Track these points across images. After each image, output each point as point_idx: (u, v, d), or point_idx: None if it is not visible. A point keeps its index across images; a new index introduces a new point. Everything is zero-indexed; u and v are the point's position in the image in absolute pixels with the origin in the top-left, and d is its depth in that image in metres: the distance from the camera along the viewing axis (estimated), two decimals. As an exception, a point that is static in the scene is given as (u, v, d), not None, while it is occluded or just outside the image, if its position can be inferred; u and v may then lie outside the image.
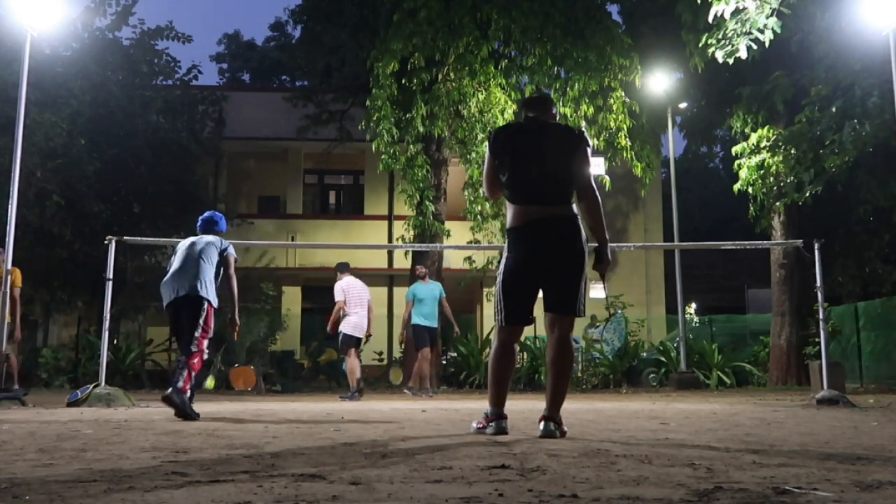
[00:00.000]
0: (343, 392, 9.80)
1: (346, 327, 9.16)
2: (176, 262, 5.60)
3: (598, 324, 14.60)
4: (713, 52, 9.15)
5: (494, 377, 3.61)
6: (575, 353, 14.39)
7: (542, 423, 3.42)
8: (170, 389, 5.00)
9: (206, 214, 6.04)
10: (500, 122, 12.09)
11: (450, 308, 10.17)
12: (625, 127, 12.38)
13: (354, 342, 9.20)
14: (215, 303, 5.51)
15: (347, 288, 9.40)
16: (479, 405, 6.81)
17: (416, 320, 9.86)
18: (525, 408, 5.97)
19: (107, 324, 7.29)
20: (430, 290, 10.02)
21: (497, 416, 3.56)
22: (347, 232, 19.83)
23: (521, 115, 3.83)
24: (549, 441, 3.22)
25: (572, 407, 6.61)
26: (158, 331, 16.17)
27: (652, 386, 13.29)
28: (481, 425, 3.63)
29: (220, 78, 33.41)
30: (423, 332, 9.85)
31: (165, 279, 5.56)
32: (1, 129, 11.81)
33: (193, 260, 5.53)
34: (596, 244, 3.71)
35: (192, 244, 5.69)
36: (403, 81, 12.36)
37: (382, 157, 12.40)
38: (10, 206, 7.61)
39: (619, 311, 14.37)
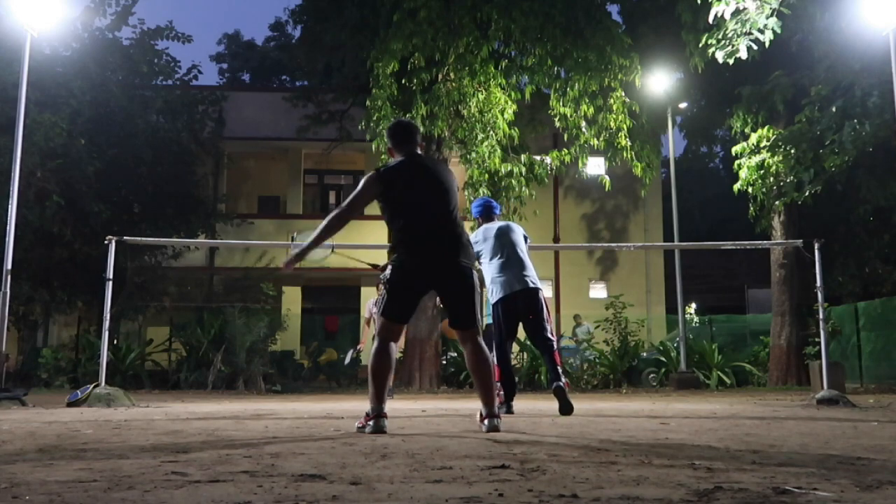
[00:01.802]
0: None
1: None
2: (497, 254, 5.58)
3: (582, 323, 14.71)
4: (713, 53, 9.15)
5: (375, 375, 3.75)
6: (575, 352, 14.28)
7: (487, 422, 3.73)
8: (557, 384, 5.21)
9: (487, 201, 6.12)
10: (500, 122, 12.11)
11: None
12: (625, 127, 12.38)
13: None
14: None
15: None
16: (479, 405, 6.81)
17: None
18: (525, 408, 5.97)
19: (107, 324, 7.29)
20: None
21: (377, 413, 3.66)
22: (347, 232, 19.79)
23: (402, 148, 4.06)
24: (549, 441, 3.22)
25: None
26: (158, 331, 16.16)
27: (652, 386, 13.29)
28: (361, 424, 3.73)
29: (220, 78, 33.44)
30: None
31: (492, 272, 5.55)
32: (1, 129, 11.81)
33: (516, 250, 5.59)
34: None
35: (504, 232, 5.69)
36: (403, 81, 12.36)
37: (382, 157, 12.39)
38: (10, 206, 7.61)
39: (586, 324, 14.79)
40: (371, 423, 3.64)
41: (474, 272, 3.95)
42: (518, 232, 5.75)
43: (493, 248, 5.60)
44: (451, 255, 3.85)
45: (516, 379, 12.91)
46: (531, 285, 5.50)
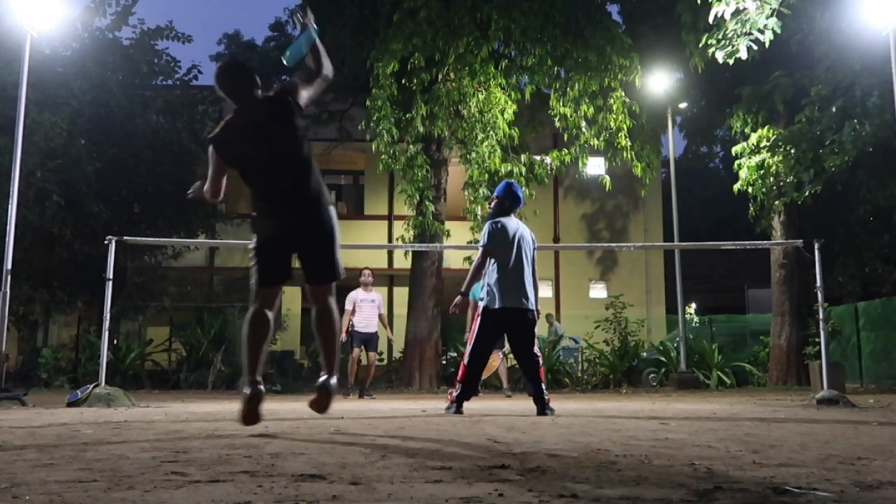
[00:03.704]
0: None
1: None
2: (507, 261, 5.42)
3: (553, 322, 14.82)
4: (713, 53, 9.15)
5: (247, 343, 3.53)
6: (575, 353, 14.28)
7: (321, 379, 3.59)
8: (542, 408, 5.27)
9: (515, 191, 5.77)
10: (500, 122, 12.11)
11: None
12: (625, 127, 12.38)
13: None
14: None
15: None
16: (479, 405, 6.81)
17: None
18: (526, 408, 5.97)
19: (107, 324, 7.29)
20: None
21: (251, 383, 3.42)
22: (347, 232, 19.81)
23: (232, 98, 3.72)
24: (549, 441, 3.22)
25: (572, 407, 6.61)
26: (158, 331, 16.16)
27: (652, 386, 13.30)
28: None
29: (221, 78, 33.37)
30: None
31: (498, 278, 5.39)
32: (1, 129, 11.81)
33: (524, 265, 5.46)
34: None
35: (523, 238, 5.52)
36: (403, 81, 12.36)
37: (382, 157, 12.40)
38: (10, 206, 7.60)
39: (556, 324, 14.95)
40: (246, 391, 3.39)
41: (333, 211, 3.66)
42: (531, 242, 5.63)
43: (506, 253, 5.44)
44: (304, 209, 3.60)
45: (517, 378, 12.94)
46: (530, 306, 5.43)
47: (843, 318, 14.97)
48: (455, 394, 5.51)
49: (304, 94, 3.74)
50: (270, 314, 3.62)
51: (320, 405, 3.65)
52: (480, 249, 5.54)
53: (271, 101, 3.71)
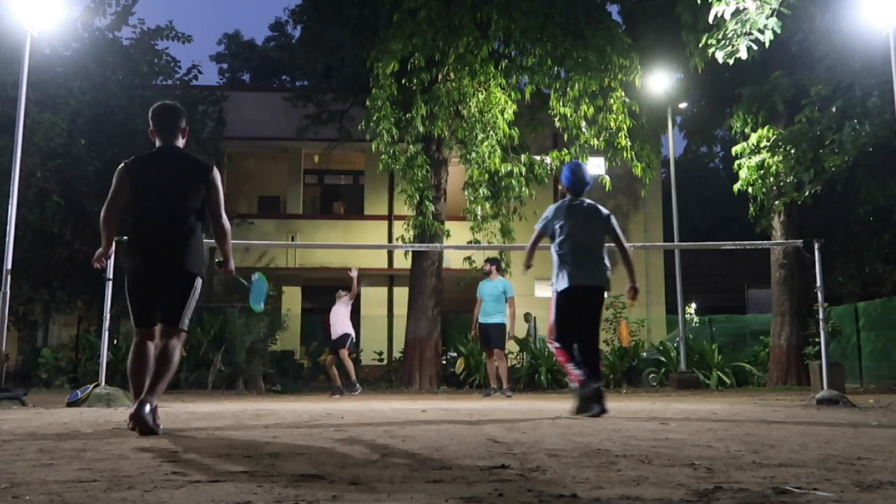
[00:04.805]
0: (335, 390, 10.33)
1: None
2: (574, 233, 5.26)
3: (531, 320, 14.92)
4: (713, 53, 9.15)
5: (132, 373, 3.89)
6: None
7: (137, 405, 3.66)
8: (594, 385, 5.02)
9: (576, 173, 5.56)
10: (500, 122, 12.11)
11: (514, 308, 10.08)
12: (625, 127, 12.38)
13: None
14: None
15: None
16: (480, 405, 6.81)
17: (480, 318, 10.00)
18: (525, 408, 5.97)
19: (107, 324, 7.29)
20: (493, 286, 10.08)
21: (139, 403, 3.64)
22: (347, 232, 19.84)
23: (158, 135, 4.05)
24: (549, 441, 3.22)
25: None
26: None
27: (652, 386, 13.29)
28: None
29: (220, 78, 33.42)
30: (482, 330, 9.96)
31: (563, 252, 5.21)
32: (1, 129, 11.81)
33: (596, 239, 5.30)
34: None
35: (591, 214, 5.32)
36: (403, 81, 12.36)
37: (382, 157, 12.40)
38: (10, 206, 7.60)
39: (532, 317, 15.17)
40: (132, 409, 3.64)
41: (197, 279, 3.96)
42: (600, 218, 5.40)
43: (564, 228, 5.28)
44: (166, 263, 3.90)
45: (517, 378, 12.92)
46: (597, 283, 5.23)
47: (843, 318, 14.98)
48: (576, 377, 5.14)
49: (214, 196, 4.04)
50: (152, 344, 3.94)
51: (137, 428, 3.63)
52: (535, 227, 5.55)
53: (190, 158, 4.08)
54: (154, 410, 3.68)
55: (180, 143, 4.07)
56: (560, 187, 6.03)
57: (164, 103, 4.18)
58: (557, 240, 5.31)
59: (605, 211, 5.47)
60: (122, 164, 4.00)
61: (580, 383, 5.05)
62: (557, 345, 5.24)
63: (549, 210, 5.47)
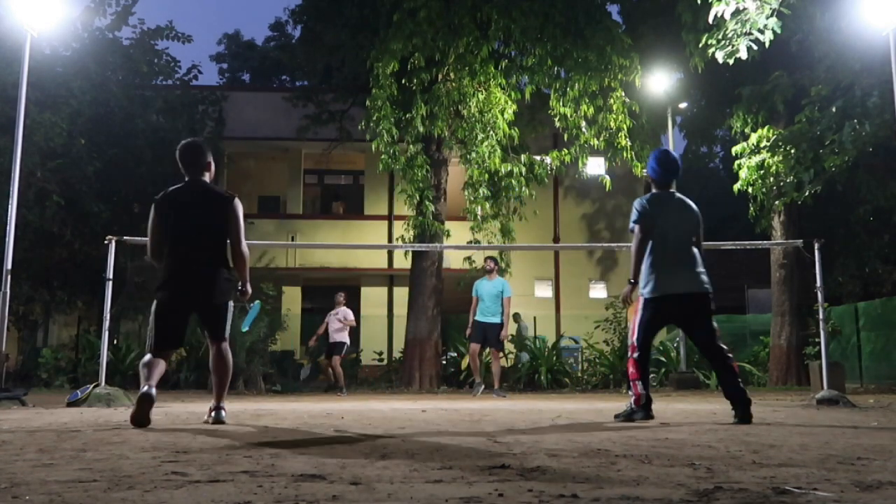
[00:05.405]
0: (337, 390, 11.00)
1: None
2: (668, 231, 4.61)
3: (520, 322, 14.90)
4: (713, 53, 9.15)
5: (145, 366, 4.20)
6: (575, 353, 14.32)
7: (213, 413, 4.24)
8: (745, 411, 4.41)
9: (664, 160, 4.78)
10: (500, 122, 12.11)
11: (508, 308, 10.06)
12: (625, 127, 12.38)
13: None
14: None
15: None
16: (480, 405, 6.81)
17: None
18: (525, 408, 5.97)
19: (107, 324, 7.29)
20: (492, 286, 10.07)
21: (147, 387, 4.04)
22: (347, 232, 19.85)
23: (185, 171, 4.48)
24: (549, 441, 3.22)
25: (572, 407, 6.61)
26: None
27: (652, 386, 13.28)
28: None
29: (220, 78, 33.44)
30: (481, 329, 9.93)
31: (655, 261, 4.58)
32: (1, 129, 11.82)
33: (687, 239, 4.64)
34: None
35: (684, 210, 4.66)
36: (403, 81, 12.36)
37: (382, 157, 12.40)
38: (10, 206, 7.60)
39: (524, 323, 15.19)
40: (141, 391, 4.03)
41: (228, 305, 4.36)
42: (693, 215, 4.72)
43: (659, 232, 4.62)
44: (197, 295, 4.30)
45: (517, 378, 12.92)
46: (699, 289, 4.58)
47: (843, 318, 14.97)
48: (639, 395, 4.67)
49: (234, 225, 4.49)
50: (164, 361, 4.28)
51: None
52: (634, 227, 4.71)
53: (213, 192, 4.49)
54: (221, 409, 4.26)
55: (206, 177, 4.44)
56: (644, 177, 5.45)
57: (188, 142, 4.52)
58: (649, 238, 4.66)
59: (695, 207, 4.80)
60: (154, 200, 4.41)
61: (636, 402, 4.64)
62: (635, 356, 4.67)
63: (643, 202, 4.69)
